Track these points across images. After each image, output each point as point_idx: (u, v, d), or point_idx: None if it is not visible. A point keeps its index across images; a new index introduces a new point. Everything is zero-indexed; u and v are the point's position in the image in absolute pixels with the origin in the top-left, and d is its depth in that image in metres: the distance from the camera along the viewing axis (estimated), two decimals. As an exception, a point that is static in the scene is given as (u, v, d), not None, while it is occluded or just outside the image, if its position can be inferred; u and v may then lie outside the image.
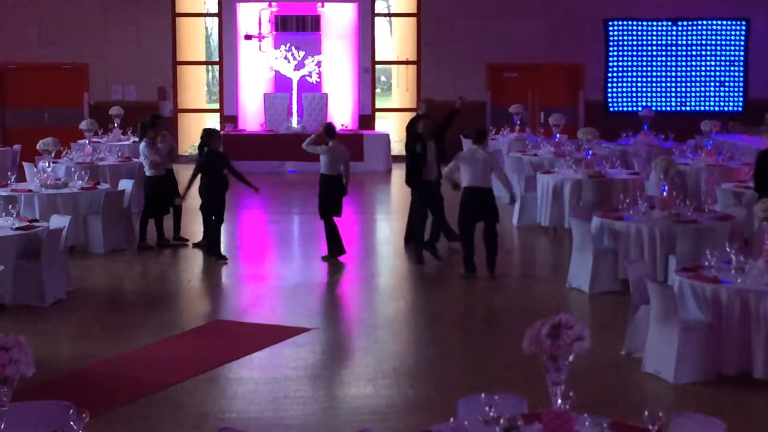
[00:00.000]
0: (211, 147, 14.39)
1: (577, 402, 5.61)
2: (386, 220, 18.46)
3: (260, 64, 24.77)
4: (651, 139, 20.93)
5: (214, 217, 14.44)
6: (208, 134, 14.62)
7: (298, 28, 24.96)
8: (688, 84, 25.52)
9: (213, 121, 26.04)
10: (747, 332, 9.06)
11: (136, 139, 19.51)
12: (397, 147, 25.79)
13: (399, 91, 30.82)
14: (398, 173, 23.52)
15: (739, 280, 9.27)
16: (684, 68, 25.48)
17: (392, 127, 27.58)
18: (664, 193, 12.79)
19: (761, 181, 12.13)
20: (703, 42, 25.44)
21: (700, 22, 25.32)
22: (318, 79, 24.59)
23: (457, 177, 13.36)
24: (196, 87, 27.67)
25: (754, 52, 25.34)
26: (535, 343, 5.51)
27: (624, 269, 11.31)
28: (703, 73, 25.52)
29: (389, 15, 30.99)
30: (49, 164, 15.64)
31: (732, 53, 25.47)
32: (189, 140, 26.04)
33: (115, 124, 21.52)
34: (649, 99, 25.19)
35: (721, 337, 9.17)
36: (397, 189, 22.30)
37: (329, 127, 14.51)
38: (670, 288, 9.45)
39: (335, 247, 14.31)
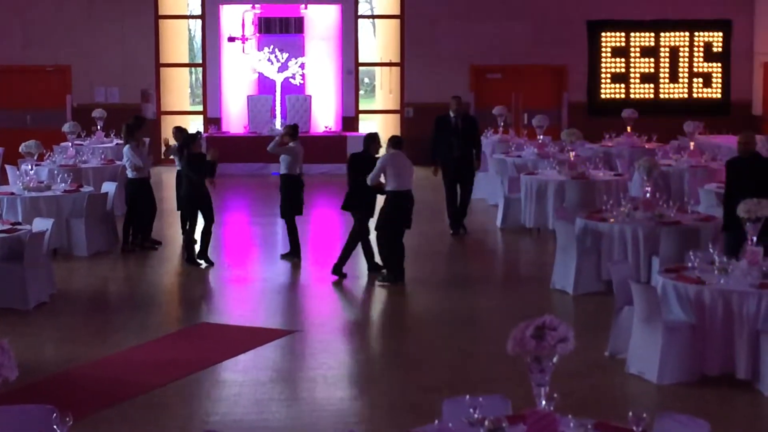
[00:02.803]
0: (191, 150, 14.31)
1: (561, 403, 5.63)
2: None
3: (243, 66, 24.74)
4: (634, 140, 20.98)
5: (188, 223, 14.36)
6: (190, 137, 14.56)
7: (281, 30, 24.93)
8: (671, 85, 25.59)
9: (197, 123, 25.98)
10: (730, 333, 9.09)
11: (120, 142, 19.47)
12: (381, 150, 25.78)
13: (383, 92, 30.82)
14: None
15: (722, 280, 9.30)
16: (666, 69, 25.55)
17: (376, 129, 27.56)
18: (648, 195, 12.82)
19: (731, 189, 11.50)
20: (686, 43, 25.52)
21: (682, 24, 25.39)
22: (301, 81, 24.57)
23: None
24: (179, 89, 27.60)
25: (736, 53, 25.43)
26: (520, 344, 5.52)
27: (607, 270, 11.33)
28: (685, 75, 25.59)
29: (372, 17, 31.04)
30: (31, 167, 15.59)
31: (714, 54, 25.54)
32: (172, 142, 25.95)
33: (98, 127, 21.46)
34: (632, 100, 25.22)
35: (704, 337, 9.20)
36: (381, 191, 22.26)
37: (295, 128, 14.67)
38: (654, 289, 9.48)
39: (297, 246, 14.50)
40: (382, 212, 13.15)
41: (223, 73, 24.96)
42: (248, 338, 10.87)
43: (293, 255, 14.51)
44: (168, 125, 25.39)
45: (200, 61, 26.23)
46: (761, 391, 8.93)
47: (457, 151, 16.27)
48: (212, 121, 24.84)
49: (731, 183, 11.53)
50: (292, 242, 14.52)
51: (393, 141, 13.34)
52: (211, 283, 13.72)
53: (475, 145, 16.66)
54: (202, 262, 14.12)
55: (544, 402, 5.56)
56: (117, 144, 20.39)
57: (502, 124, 22.04)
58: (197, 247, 14.22)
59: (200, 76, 26.95)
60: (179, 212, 15.83)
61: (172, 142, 16.20)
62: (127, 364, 10.08)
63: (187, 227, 14.41)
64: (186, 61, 28.92)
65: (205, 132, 23.98)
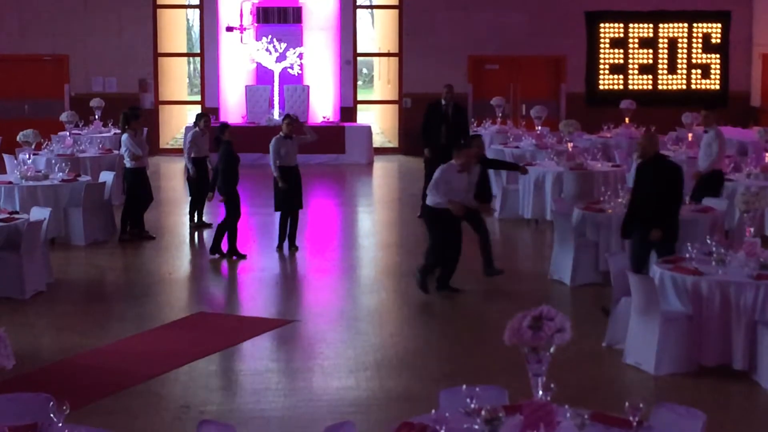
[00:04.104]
0: (225, 139, 14.18)
1: (558, 393, 5.63)
2: (368, 212, 18.47)
3: (242, 55, 24.70)
4: (632, 131, 20.98)
5: (232, 214, 14.17)
6: (223, 127, 14.42)
7: (279, 19, 24.88)
8: (670, 76, 25.57)
9: (194, 113, 25.93)
10: (727, 324, 9.10)
11: (117, 131, 19.46)
12: (378, 139, 25.79)
13: (381, 83, 30.79)
14: (380, 165, 23.52)
15: (719, 271, 9.30)
16: (665, 61, 25.53)
17: (374, 119, 27.56)
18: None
19: (639, 194, 10.76)
20: (685, 34, 25.49)
21: (681, 15, 25.36)
22: (300, 71, 24.54)
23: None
24: (177, 79, 27.57)
25: (735, 44, 25.41)
26: (517, 334, 5.52)
27: (605, 261, 11.33)
28: (684, 66, 25.56)
29: (371, 7, 30.98)
30: (29, 156, 15.57)
31: (713, 46, 25.51)
32: (170, 132, 25.96)
33: (96, 116, 21.44)
34: (630, 91, 25.20)
35: (701, 328, 9.20)
36: (379, 181, 22.30)
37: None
38: (651, 280, 9.48)
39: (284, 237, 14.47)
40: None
41: (221, 63, 24.92)
42: (246, 328, 10.87)
43: (291, 245, 14.51)
44: (166, 115, 25.41)
45: (198, 51, 26.20)
46: (758, 381, 8.94)
47: (445, 139, 16.37)
48: (210, 111, 24.76)
49: (637, 187, 10.81)
50: (283, 233, 14.45)
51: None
52: (208, 272, 13.71)
53: (462, 135, 16.68)
54: (216, 255, 14.05)
55: (540, 392, 5.56)
56: (115, 133, 20.36)
57: (500, 114, 22.03)
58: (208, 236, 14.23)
59: (198, 65, 26.90)
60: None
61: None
62: (125, 354, 10.08)
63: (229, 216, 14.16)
64: (184, 50, 28.90)
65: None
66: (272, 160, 14.42)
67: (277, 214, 14.66)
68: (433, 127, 16.52)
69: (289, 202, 14.36)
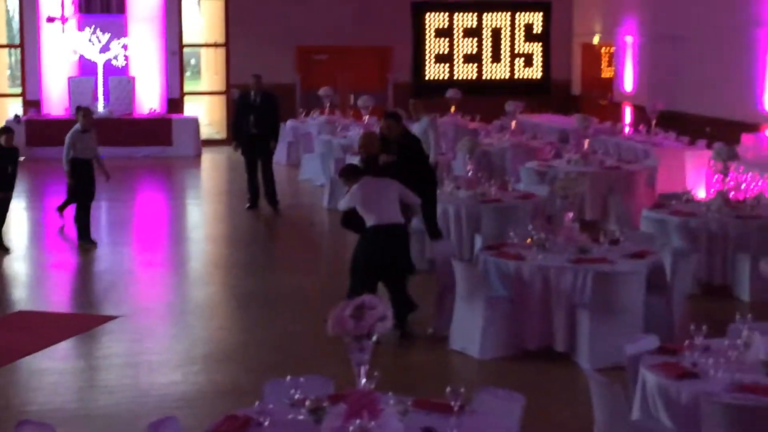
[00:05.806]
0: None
1: (383, 381, 5.67)
2: (196, 205, 18.27)
3: (64, 47, 24.07)
4: (458, 120, 21.28)
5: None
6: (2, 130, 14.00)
7: (102, 9, 24.36)
8: (494, 66, 26.03)
9: (16, 106, 25.21)
10: (548, 307, 9.31)
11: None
12: (206, 131, 25.53)
13: (208, 74, 30.47)
14: (207, 157, 23.29)
15: (540, 256, 9.52)
16: (489, 51, 25.97)
17: (202, 110, 27.27)
18: (470, 173, 13.02)
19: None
20: (508, 24, 25.98)
21: (504, 5, 25.84)
22: (124, 63, 24.07)
23: None
24: (-3, 71, 26.74)
25: (556, 34, 26.03)
26: (339, 324, 5.53)
27: (431, 249, 11.46)
28: (507, 55, 26.06)
29: (197, -4, 30.62)
30: None
31: (535, 35, 26.08)
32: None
33: None
34: (456, 81, 25.54)
35: (523, 312, 9.39)
36: (207, 174, 22.10)
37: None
38: (475, 266, 9.64)
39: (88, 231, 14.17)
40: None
41: (42, 55, 24.23)
42: (68, 325, 10.62)
43: (87, 241, 14.16)
44: (-15, 108, 24.59)
45: (18, 42, 25.43)
46: (578, 363, 9.18)
47: (254, 129, 16.41)
48: (32, 103, 24.14)
49: None
50: (87, 228, 14.14)
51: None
52: (28, 269, 13.34)
53: (272, 123, 16.68)
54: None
55: (364, 380, 5.59)
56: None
57: (328, 104, 22.07)
58: None
59: (19, 57, 26.09)
60: None
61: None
62: (-59, 356, 9.73)
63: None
64: (4, 41, 28.00)
65: (24, 115, 23.34)
66: (65, 154, 14.08)
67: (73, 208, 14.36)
68: (242, 119, 16.61)
69: (86, 194, 14.09)
